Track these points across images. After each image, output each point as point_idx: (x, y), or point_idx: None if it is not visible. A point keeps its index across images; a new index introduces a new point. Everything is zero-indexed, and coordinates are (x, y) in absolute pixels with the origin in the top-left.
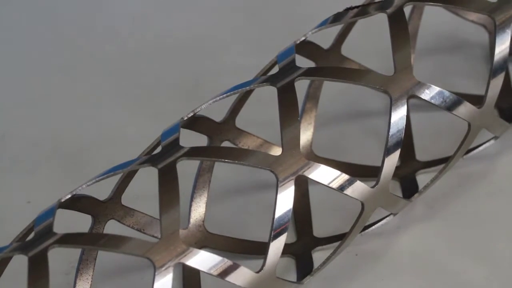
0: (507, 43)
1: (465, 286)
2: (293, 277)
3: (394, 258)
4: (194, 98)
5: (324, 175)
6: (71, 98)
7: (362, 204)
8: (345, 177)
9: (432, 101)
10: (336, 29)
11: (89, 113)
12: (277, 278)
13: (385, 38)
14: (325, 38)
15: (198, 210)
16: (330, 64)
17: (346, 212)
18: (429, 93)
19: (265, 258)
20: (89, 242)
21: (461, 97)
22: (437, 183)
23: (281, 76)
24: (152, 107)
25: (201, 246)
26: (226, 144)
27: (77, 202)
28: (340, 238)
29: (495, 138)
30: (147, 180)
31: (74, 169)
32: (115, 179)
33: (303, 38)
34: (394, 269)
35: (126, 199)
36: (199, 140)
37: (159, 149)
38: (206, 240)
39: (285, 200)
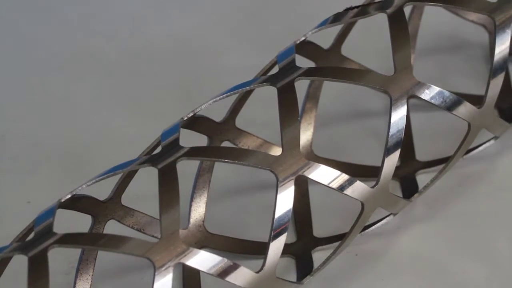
0: (507, 43)
1: (465, 286)
2: (293, 277)
3: (394, 258)
4: (194, 98)
5: (324, 175)
6: (71, 98)
7: (362, 204)
8: (345, 177)
9: (432, 101)
10: (336, 29)
11: (89, 113)
12: (277, 278)
13: (385, 38)
14: (325, 38)
15: (198, 210)
16: (330, 64)
17: (346, 212)
18: (429, 93)
19: (265, 258)
20: (89, 242)
21: (461, 97)
22: (437, 183)
23: (281, 76)
24: (152, 107)
25: (201, 246)
26: (226, 144)
27: (77, 202)
28: (340, 238)
29: (495, 138)
30: (147, 180)
31: (74, 169)
32: (115, 179)
33: (303, 38)
34: (394, 269)
35: (126, 199)
36: (199, 140)
37: (159, 149)
38: (206, 240)
39: (285, 200)
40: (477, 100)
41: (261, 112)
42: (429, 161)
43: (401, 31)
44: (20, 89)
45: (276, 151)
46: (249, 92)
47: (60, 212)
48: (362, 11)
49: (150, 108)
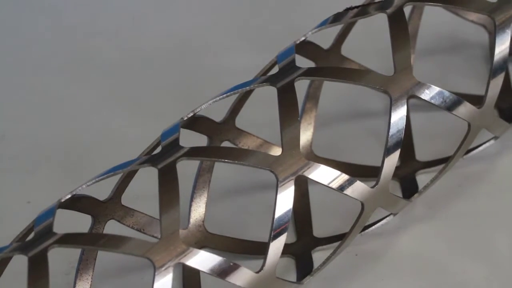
0: (507, 43)
1: (465, 286)
2: (293, 277)
3: (394, 258)
4: (194, 98)
5: (324, 175)
6: (71, 98)
7: (362, 204)
8: (345, 177)
9: (432, 101)
10: (336, 29)
11: (89, 113)
12: (277, 278)
13: (385, 38)
14: (325, 38)
15: (198, 210)
16: (330, 64)
17: (346, 212)
18: (429, 93)
19: (265, 258)
20: (89, 242)
21: (461, 97)
22: (437, 183)
23: (281, 76)
24: (152, 107)
25: (201, 246)
26: (226, 144)
27: (77, 202)
28: (340, 238)
29: (495, 138)
30: (147, 180)
31: (74, 169)
32: (115, 179)
33: (303, 38)
34: (394, 269)
35: (126, 199)
36: (199, 140)
37: (159, 149)
38: (206, 240)
39: (285, 200)
40: (477, 100)
41: (261, 112)
42: (429, 161)
43: (401, 31)
44: (20, 89)
45: (276, 151)
46: (249, 92)
47: (60, 212)
48: (362, 11)
49: (150, 108)
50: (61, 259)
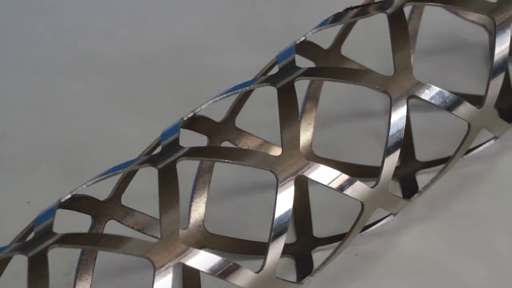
0: (507, 43)
1: (465, 286)
2: (293, 277)
3: (394, 258)
4: (194, 98)
5: (324, 175)
6: (71, 98)
7: (362, 204)
8: (345, 177)
9: (432, 101)
10: (336, 29)
11: (89, 113)
12: (277, 278)
13: (385, 38)
14: (325, 38)
15: (198, 210)
16: (330, 64)
17: (346, 212)
18: (429, 93)
19: (265, 258)
20: (89, 242)
21: (461, 97)
22: (437, 183)
23: (281, 76)
24: (152, 107)
25: (201, 246)
26: (226, 144)
27: (77, 202)
28: (340, 238)
29: (495, 138)
30: (147, 180)
31: (74, 169)
32: (115, 179)
33: (303, 38)
34: (394, 269)
35: (126, 199)
36: (199, 140)
37: (159, 149)
38: (206, 240)
39: (285, 200)
40: (477, 100)
41: (261, 112)
42: (429, 161)
43: (401, 31)
44: (20, 89)
45: (276, 151)
46: (249, 92)
47: (60, 212)
48: (362, 11)
49: (150, 108)
50: (61, 259)
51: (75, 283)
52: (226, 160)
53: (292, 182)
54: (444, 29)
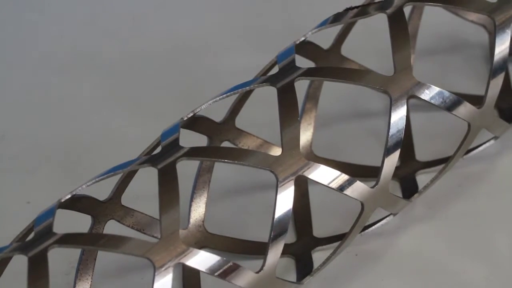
0: (507, 43)
1: (465, 286)
2: (293, 277)
3: (394, 258)
4: (194, 98)
5: (324, 175)
6: (71, 98)
7: (362, 204)
8: (345, 177)
9: (432, 101)
10: (336, 29)
11: (89, 113)
12: (277, 278)
13: (385, 38)
14: (325, 38)
15: (198, 210)
16: (330, 64)
17: (346, 212)
18: (429, 93)
19: (265, 258)
20: (89, 242)
21: (461, 97)
22: (437, 183)
23: (281, 76)
24: (152, 107)
25: (201, 246)
26: (226, 144)
27: (77, 202)
28: (340, 238)
29: (495, 138)
30: (147, 180)
31: (74, 169)
32: (115, 179)
33: (303, 38)
34: (394, 269)
35: (126, 199)
36: (199, 140)
37: (159, 149)
38: (206, 240)
39: (285, 200)
40: (477, 100)
41: (261, 112)
42: (429, 161)
43: (401, 31)
44: (20, 89)
45: (276, 151)
46: (249, 92)
47: (60, 212)
48: (362, 11)
49: (150, 108)
50: (61, 259)
51: (75, 283)
52: (226, 160)
53: (292, 182)
54: (444, 29)
